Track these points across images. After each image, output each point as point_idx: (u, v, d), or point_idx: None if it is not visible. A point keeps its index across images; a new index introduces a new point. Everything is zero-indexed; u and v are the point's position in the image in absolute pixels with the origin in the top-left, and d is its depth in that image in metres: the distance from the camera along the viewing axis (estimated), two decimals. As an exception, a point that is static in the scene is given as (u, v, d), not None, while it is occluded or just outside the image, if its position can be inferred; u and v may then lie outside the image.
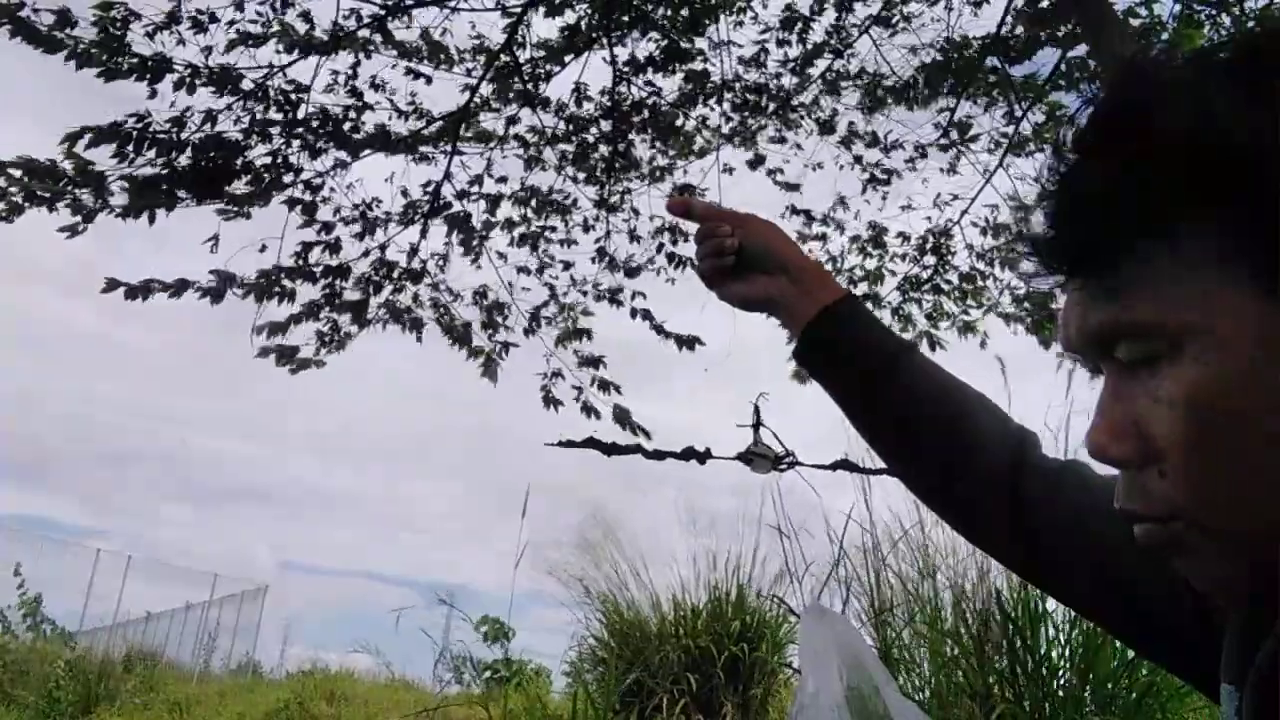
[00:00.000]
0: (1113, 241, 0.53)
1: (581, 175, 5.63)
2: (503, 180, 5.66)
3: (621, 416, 5.43)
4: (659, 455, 1.13)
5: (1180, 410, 0.50)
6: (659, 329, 5.63)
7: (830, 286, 0.92)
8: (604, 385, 5.61)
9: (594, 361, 5.68)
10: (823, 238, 5.96)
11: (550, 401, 5.65)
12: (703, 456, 1.12)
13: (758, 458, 1.03)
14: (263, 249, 4.87)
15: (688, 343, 5.51)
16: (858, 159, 5.76)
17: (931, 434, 0.85)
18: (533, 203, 5.70)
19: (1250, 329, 0.49)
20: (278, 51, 4.54)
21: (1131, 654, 2.87)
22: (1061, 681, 2.84)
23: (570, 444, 1.11)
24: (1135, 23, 4.52)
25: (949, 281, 5.78)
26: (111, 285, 4.46)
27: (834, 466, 1.15)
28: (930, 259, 5.74)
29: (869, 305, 5.93)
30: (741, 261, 0.94)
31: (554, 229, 5.81)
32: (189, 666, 16.67)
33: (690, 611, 5.26)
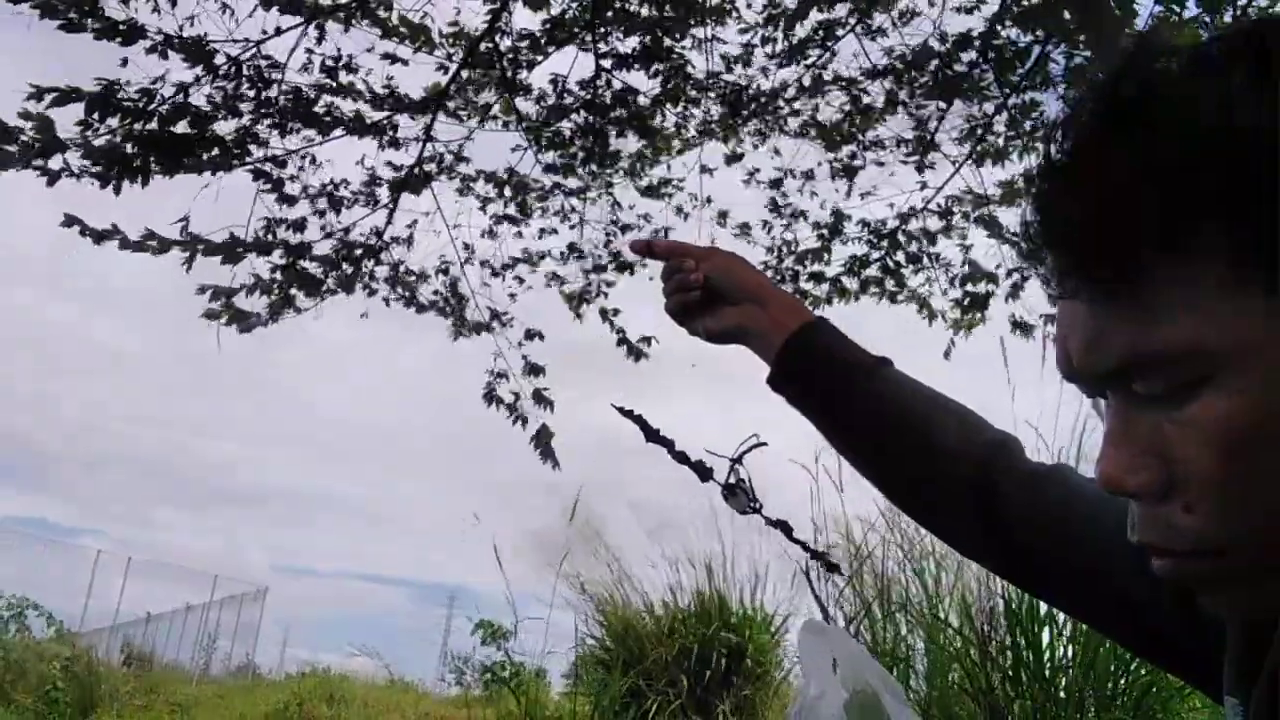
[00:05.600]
0: (1123, 261, 0.47)
1: (559, 162, 5.63)
2: (493, 173, 5.66)
3: (542, 435, 5.54)
4: (683, 458, 1.16)
5: (1209, 441, 0.46)
6: (621, 336, 5.74)
7: (798, 312, 0.93)
8: (540, 399, 5.72)
9: (537, 370, 5.78)
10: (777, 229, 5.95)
11: (492, 398, 5.73)
12: (705, 474, 1.15)
13: (740, 493, 1.06)
14: (231, 238, 4.81)
15: (636, 352, 5.61)
16: (834, 161, 5.76)
17: (907, 446, 0.85)
18: (506, 188, 5.72)
19: None
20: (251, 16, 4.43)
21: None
22: (1063, 680, 2.84)
23: (626, 413, 1.15)
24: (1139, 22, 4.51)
25: (897, 262, 5.84)
26: (70, 221, 4.34)
27: (776, 524, 1.17)
28: (884, 244, 5.84)
29: (812, 283, 5.67)
30: (708, 295, 0.95)
31: (528, 215, 5.84)
32: (189, 668, 16.68)
33: (680, 612, 5.26)
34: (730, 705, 4.87)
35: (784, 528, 1.17)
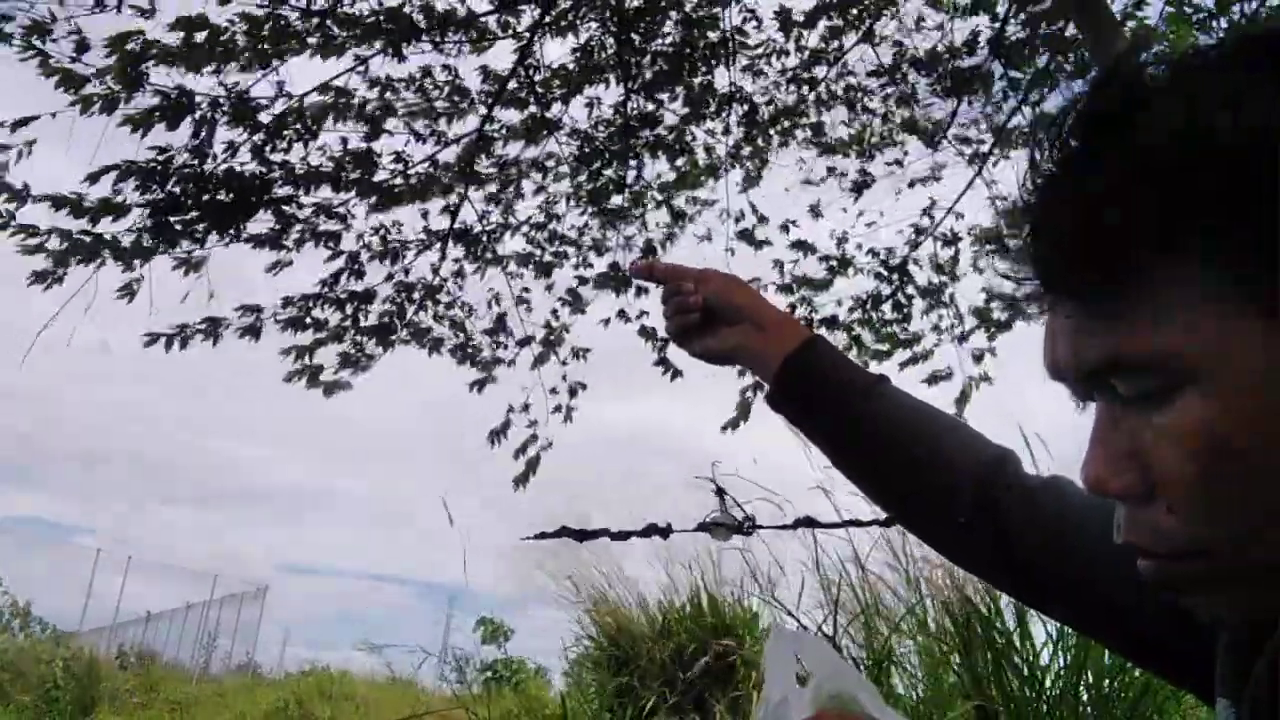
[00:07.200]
0: (1110, 264, 0.47)
1: (591, 201, 5.57)
2: (524, 219, 5.63)
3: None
4: (623, 536, 1.16)
5: (1189, 445, 0.47)
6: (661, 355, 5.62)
7: (796, 331, 0.94)
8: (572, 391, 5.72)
9: (576, 389, 5.73)
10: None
11: (500, 435, 5.56)
12: (665, 532, 1.16)
13: (718, 526, 1.06)
14: (286, 302, 4.92)
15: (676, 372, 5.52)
16: (831, 170, 5.67)
17: (906, 465, 0.86)
18: (545, 232, 5.68)
19: (1264, 356, 0.45)
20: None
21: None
22: (1052, 681, 2.83)
23: (544, 536, 1.17)
24: (1132, 24, 4.50)
25: (910, 297, 5.63)
26: (153, 339, 4.53)
27: (796, 525, 1.17)
28: (895, 277, 5.64)
29: (825, 330, 5.42)
30: (707, 316, 0.96)
31: (566, 256, 5.76)
32: (189, 667, 16.70)
33: (676, 611, 5.28)
34: (726, 704, 4.88)
35: (809, 523, 1.16)
